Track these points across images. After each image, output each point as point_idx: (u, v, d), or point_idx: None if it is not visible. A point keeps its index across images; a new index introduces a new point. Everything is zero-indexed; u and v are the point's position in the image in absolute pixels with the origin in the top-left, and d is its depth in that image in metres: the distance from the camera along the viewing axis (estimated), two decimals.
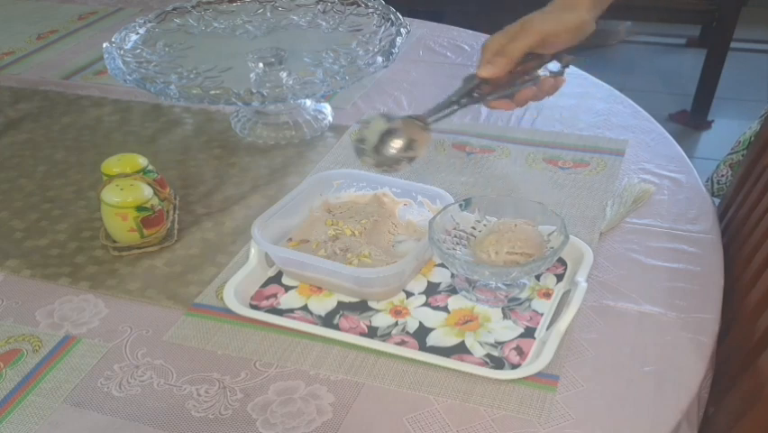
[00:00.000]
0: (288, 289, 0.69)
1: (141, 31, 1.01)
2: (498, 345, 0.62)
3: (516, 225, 0.66)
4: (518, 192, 0.81)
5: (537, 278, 0.68)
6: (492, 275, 0.64)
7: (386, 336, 0.63)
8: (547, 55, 0.73)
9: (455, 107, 0.72)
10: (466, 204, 0.69)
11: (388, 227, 0.73)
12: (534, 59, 0.72)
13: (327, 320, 0.65)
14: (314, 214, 0.75)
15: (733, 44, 2.25)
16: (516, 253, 0.64)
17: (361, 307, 0.66)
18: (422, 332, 0.63)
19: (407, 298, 0.67)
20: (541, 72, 0.74)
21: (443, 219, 0.68)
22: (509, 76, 0.71)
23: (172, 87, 0.83)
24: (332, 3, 1.06)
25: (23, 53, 1.23)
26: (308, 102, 0.97)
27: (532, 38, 0.70)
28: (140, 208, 0.72)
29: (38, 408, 0.58)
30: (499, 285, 0.67)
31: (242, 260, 0.71)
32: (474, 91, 0.72)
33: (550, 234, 0.66)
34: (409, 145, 0.69)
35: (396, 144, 0.69)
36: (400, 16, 0.98)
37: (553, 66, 0.75)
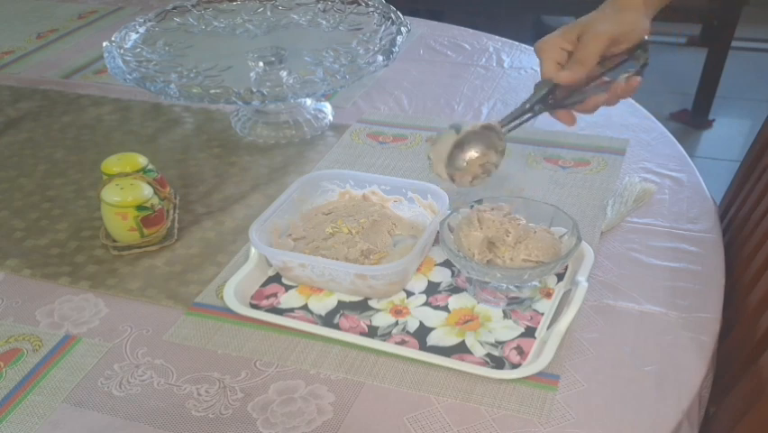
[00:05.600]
0: (288, 288, 0.69)
1: (141, 30, 1.00)
2: (499, 344, 0.62)
3: (535, 233, 0.65)
4: (519, 191, 0.81)
5: None
6: (504, 277, 0.64)
7: (386, 336, 0.63)
8: (615, 58, 0.72)
9: (529, 114, 0.71)
10: (477, 204, 0.68)
11: (387, 227, 0.72)
12: (601, 62, 0.71)
13: (327, 320, 0.65)
14: (310, 213, 0.75)
15: (734, 43, 2.24)
16: (531, 261, 0.63)
17: (362, 306, 0.66)
18: (422, 331, 0.63)
19: (408, 297, 0.67)
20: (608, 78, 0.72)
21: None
22: (583, 81, 0.71)
23: (172, 86, 0.83)
24: (332, 2, 1.06)
25: (23, 52, 1.23)
26: (308, 101, 0.97)
27: (602, 42, 0.69)
28: (140, 208, 0.72)
29: (38, 407, 0.58)
30: (510, 287, 0.66)
31: (242, 259, 0.71)
32: (548, 97, 0.71)
33: (561, 237, 0.66)
34: (484, 156, 0.66)
35: (468, 156, 0.66)
36: (401, 15, 0.98)
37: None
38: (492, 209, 0.66)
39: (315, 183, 0.76)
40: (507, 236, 0.64)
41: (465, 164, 0.66)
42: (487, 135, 0.69)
